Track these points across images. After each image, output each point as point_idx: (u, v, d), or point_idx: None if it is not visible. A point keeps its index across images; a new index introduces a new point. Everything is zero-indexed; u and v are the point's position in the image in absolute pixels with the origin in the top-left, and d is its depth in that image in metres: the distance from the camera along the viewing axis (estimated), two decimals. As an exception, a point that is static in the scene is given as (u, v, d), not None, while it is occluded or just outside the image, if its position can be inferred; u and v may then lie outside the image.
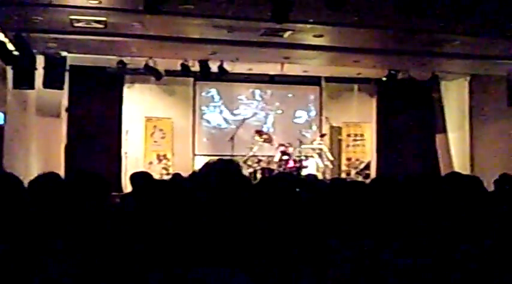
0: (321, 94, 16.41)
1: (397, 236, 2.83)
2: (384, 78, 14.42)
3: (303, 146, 14.53)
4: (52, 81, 11.86)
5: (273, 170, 13.51)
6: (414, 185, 3.61)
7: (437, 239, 2.67)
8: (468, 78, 15.00)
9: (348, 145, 16.03)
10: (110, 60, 12.84)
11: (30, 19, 9.50)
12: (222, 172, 2.01)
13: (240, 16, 9.50)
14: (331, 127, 16.14)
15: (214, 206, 1.93)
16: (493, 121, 14.52)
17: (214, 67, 13.05)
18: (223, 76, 13.45)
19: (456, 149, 15.79)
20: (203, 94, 15.85)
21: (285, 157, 13.82)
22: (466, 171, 13.00)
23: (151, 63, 12.86)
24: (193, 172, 2.09)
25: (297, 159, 13.99)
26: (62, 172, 9.96)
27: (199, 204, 1.94)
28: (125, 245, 2.41)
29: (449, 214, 2.85)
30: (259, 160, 13.92)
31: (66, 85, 12.84)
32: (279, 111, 16.24)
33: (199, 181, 1.99)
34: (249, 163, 13.75)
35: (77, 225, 2.49)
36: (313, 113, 16.43)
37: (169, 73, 13.95)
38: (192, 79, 15.11)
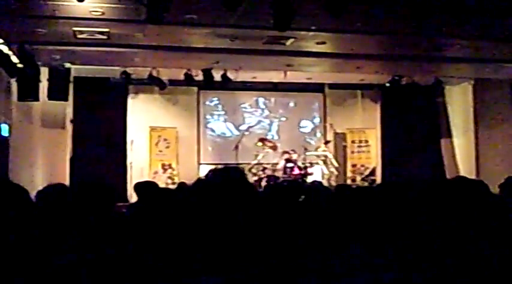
0: (324, 101, 16.43)
1: (404, 241, 2.82)
2: (388, 84, 14.41)
3: (307, 153, 14.52)
4: (56, 92, 11.91)
5: (278, 178, 13.51)
6: (420, 190, 3.60)
7: (444, 243, 2.66)
8: (472, 82, 14.97)
9: (352, 152, 16.02)
10: (113, 71, 12.88)
11: (34, 31, 9.54)
12: (227, 179, 2.01)
13: (242, 25, 9.52)
14: (336, 133, 16.13)
15: (220, 213, 1.93)
16: (498, 125, 14.49)
17: (217, 76, 13.06)
18: (226, 84, 13.46)
19: (461, 153, 15.75)
20: (207, 103, 15.89)
21: (290, 165, 13.81)
22: (471, 175, 12.95)
23: (155, 73, 12.91)
24: (198, 179, 2.09)
25: (302, 166, 13.99)
26: (67, 183, 9.97)
27: (204, 212, 1.95)
28: (131, 254, 2.41)
29: (456, 218, 2.84)
30: (264, 168, 13.93)
31: (70, 97, 12.90)
32: (283, 119, 16.26)
33: (204, 188, 1.99)
34: (254, 171, 13.76)
35: (84, 235, 2.50)
36: (317, 120, 16.44)
37: (173, 83, 14.00)
38: (195, 88, 15.17)
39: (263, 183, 13.28)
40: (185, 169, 14.75)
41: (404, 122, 15.89)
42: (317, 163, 14.46)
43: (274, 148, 14.43)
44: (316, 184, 7.68)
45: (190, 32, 10.06)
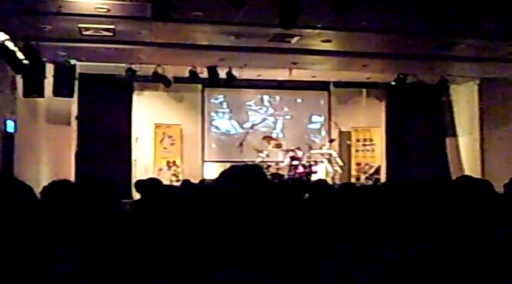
0: (329, 99, 16.40)
1: (408, 240, 2.82)
2: (393, 83, 14.38)
3: (312, 151, 14.52)
4: (62, 89, 11.94)
5: (282, 175, 13.51)
6: (425, 189, 3.59)
7: (449, 242, 2.66)
8: (477, 81, 14.93)
9: (357, 150, 16.00)
10: (119, 68, 12.89)
11: (40, 28, 9.57)
12: (250, 177, 2.01)
13: (247, 22, 9.52)
14: (340, 132, 16.11)
15: (239, 210, 1.93)
16: (503, 124, 14.45)
17: (222, 73, 13.07)
18: (231, 82, 13.47)
19: (466, 153, 15.72)
20: (212, 100, 15.88)
21: (295, 163, 13.82)
22: (476, 175, 12.90)
23: (160, 70, 12.91)
24: (220, 174, 2.09)
25: (307, 164, 13.98)
26: (72, 180, 9.98)
27: (225, 209, 1.95)
28: (136, 250, 2.41)
29: (460, 218, 2.84)
30: (269, 166, 13.93)
31: (75, 93, 12.93)
32: (288, 117, 16.24)
33: (227, 186, 1.99)
34: (259, 168, 13.73)
35: (88, 231, 2.50)
36: (322, 118, 16.42)
37: (178, 80, 14.02)
38: (200, 85, 15.17)
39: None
40: (189, 167, 14.78)
41: (410, 121, 15.88)
42: (321, 162, 14.45)
43: (278, 146, 14.44)
44: (321, 182, 7.67)
45: (195, 29, 10.07)
